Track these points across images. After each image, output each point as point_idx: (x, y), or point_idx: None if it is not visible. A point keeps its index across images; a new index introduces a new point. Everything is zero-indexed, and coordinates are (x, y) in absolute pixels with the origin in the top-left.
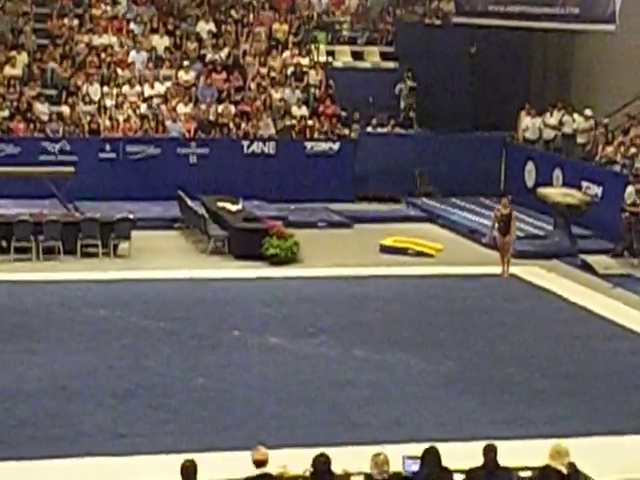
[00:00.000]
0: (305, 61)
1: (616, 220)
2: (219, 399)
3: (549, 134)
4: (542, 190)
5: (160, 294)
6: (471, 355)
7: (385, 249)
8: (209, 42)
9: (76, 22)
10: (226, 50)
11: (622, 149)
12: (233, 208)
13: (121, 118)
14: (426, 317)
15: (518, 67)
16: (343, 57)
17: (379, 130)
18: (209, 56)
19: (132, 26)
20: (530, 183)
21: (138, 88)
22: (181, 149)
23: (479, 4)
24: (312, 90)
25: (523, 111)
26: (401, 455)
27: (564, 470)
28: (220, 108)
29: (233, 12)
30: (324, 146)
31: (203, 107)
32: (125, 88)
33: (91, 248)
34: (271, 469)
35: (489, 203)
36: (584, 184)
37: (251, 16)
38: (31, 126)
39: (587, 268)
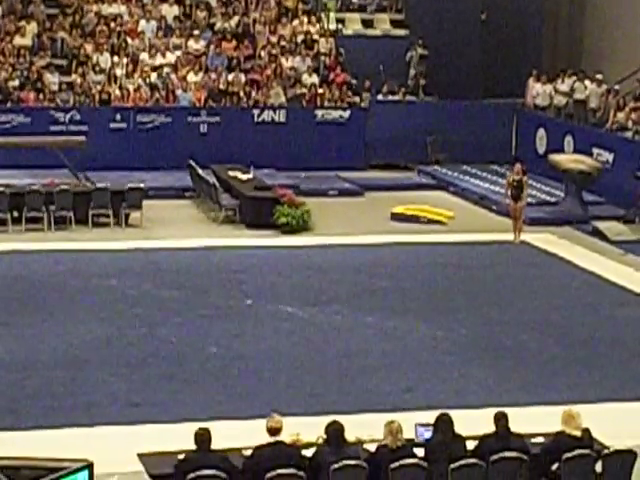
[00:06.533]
0: (315, 29)
1: (627, 186)
2: (232, 368)
3: (560, 101)
4: (553, 157)
5: (172, 263)
6: (483, 322)
7: (396, 217)
8: (219, 11)
9: None
10: (236, 18)
11: (633, 115)
12: (244, 177)
13: (131, 87)
14: (438, 284)
15: (529, 34)
16: (353, 25)
17: (390, 98)
18: (219, 25)
19: None
20: (541, 150)
21: (146, 56)
22: (191, 118)
23: None
24: (322, 58)
25: (531, 78)
26: (414, 422)
27: (578, 434)
28: (230, 77)
29: None
30: (335, 114)
31: (213, 76)
32: (143, 55)
33: (102, 218)
34: (284, 437)
35: (500, 170)
36: (595, 151)
37: None
38: (41, 96)
39: (599, 235)
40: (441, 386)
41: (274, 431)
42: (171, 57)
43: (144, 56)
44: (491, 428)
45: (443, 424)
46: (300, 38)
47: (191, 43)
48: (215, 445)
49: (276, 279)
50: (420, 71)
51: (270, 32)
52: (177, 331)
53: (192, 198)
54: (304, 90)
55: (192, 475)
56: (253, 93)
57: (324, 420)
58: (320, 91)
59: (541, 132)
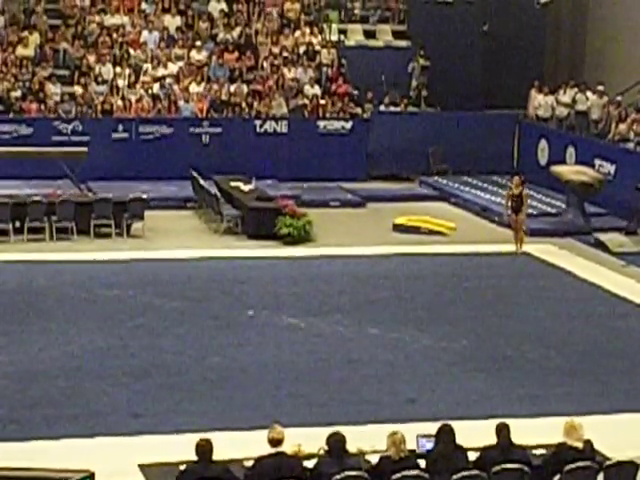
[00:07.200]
0: (317, 40)
1: (629, 198)
2: (234, 378)
3: (562, 112)
4: (555, 168)
5: (173, 274)
6: (485, 333)
7: (398, 228)
8: (221, 21)
9: (88, 2)
10: (238, 29)
11: (635, 127)
12: (246, 188)
13: (133, 98)
14: (439, 295)
15: (531, 45)
16: (355, 36)
17: (392, 109)
18: (221, 35)
19: (144, 6)
20: (543, 161)
21: (149, 67)
22: (194, 129)
23: None
24: (324, 69)
25: (533, 89)
26: (415, 434)
27: (580, 446)
28: (232, 87)
29: None
30: (337, 125)
31: (215, 87)
32: (145, 66)
33: (104, 228)
34: (285, 448)
35: (502, 181)
36: (597, 162)
37: None
38: (43, 107)
39: (600, 246)
40: (443, 397)
41: (275, 442)
42: (173, 68)
43: (146, 67)
44: (493, 439)
45: (445, 435)
46: (302, 49)
47: (193, 54)
48: (216, 456)
49: (278, 290)
50: (422, 82)
51: (272, 43)
52: (179, 341)
53: (194, 209)
54: (306, 101)
55: None
56: (255, 104)
57: (326, 431)
58: (322, 102)
59: (543, 143)
